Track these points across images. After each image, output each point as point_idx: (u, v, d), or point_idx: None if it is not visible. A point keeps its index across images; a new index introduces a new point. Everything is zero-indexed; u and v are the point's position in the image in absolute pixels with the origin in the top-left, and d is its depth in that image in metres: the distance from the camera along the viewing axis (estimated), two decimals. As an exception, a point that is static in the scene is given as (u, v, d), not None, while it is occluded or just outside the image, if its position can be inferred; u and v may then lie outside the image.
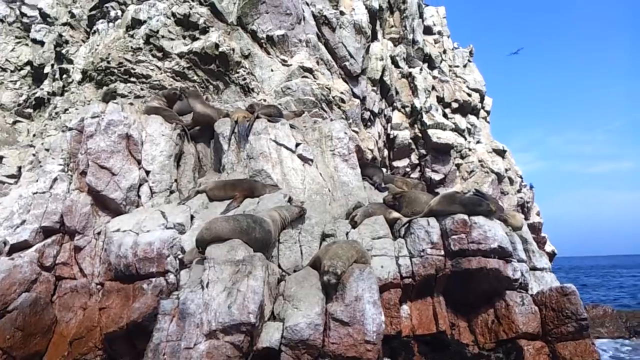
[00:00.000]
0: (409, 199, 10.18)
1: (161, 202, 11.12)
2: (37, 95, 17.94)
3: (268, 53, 15.30)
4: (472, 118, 19.92)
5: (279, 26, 15.45)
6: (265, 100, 14.02)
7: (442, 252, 9.03)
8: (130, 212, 10.84)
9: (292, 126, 11.61)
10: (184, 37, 14.97)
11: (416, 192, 10.95)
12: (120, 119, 11.31)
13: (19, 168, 13.64)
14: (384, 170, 16.58)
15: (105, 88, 14.66)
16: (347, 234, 9.00)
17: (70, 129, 11.67)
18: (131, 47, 14.80)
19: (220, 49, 14.26)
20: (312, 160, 11.21)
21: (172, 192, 11.45)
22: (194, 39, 14.86)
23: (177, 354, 6.57)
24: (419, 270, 8.93)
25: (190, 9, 14.88)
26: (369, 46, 17.35)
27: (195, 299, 6.90)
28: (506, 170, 19.61)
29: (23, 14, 19.50)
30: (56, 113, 14.96)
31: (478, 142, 19.74)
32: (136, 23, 15.12)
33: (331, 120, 12.23)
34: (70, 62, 17.33)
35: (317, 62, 15.78)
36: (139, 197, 11.11)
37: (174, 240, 9.25)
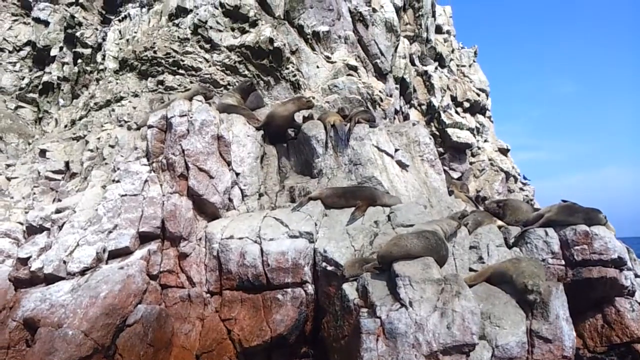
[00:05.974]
0: (512, 207, 10.50)
1: (254, 206, 10.80)
2: (44, 80, 16.75)
3: (313, 49, 15.08)
4: (480, 117, 20.57)
5: (322, 22, 15.29)
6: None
7: (563, 262, 9.41)
8: (224, 216, 10.47)
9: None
10: (232, 30, 14.43)
11: (517, 200, 11.31)
12: (210, 119, 10.81)
13: (66, 163, 12.71)
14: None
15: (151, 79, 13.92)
16: (487, 245, 9.15)
17: (151, 126, 10.98)
18: (178, 37, 14.12)
19: (275, 44, 13.89)
20: (408, 166, 11.23)
21: (260, 194, 11.13)
22: (243, 31, 14.36)
23: (397, 375, 6.51)
24: (541, 280, 9.26)
25: (239, 0, 14.34)
26: (397, 45, 17.46)
27: (402, 318, 6.83)
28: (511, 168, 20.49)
29: (20, -10, 18.00)
30: (95, 104, 13.95)
31: (485, 141, 20.45)
32: (181, 11, 14.44)
33: (413, 125, 12.23)
34: (85, 46, 16.30)
35: (355, 59, 15.77)
36: (230, 200, 10.73)
37: (307, 250, 9.05)
